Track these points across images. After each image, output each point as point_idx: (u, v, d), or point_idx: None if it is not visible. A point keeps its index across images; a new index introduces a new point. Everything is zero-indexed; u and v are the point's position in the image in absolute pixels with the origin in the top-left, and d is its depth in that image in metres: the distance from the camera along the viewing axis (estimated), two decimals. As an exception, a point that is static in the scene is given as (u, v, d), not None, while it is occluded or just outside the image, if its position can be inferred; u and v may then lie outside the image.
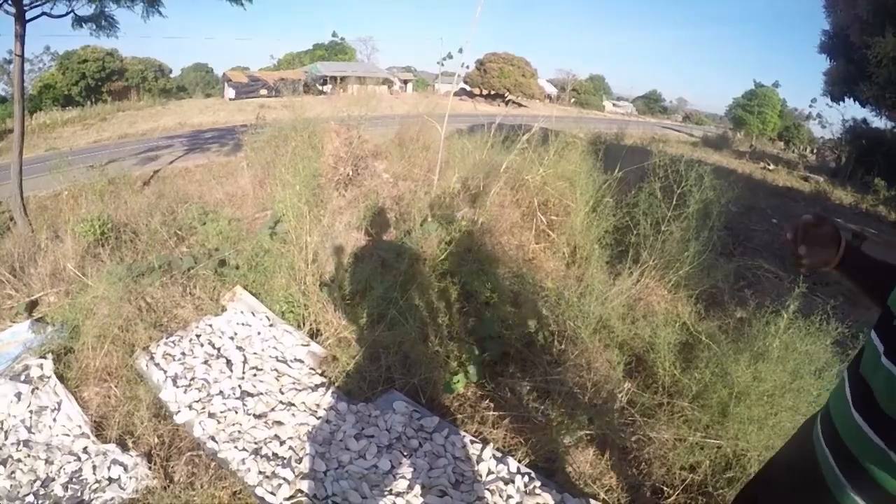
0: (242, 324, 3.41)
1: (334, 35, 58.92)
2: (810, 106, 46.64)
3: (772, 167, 19.47)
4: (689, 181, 3.96)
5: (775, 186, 14.21)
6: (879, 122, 19.12)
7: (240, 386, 2.92)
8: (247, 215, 5.31)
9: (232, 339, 3.28)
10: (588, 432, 2.74)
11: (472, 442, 2.68)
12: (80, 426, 2.68)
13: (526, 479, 2.51)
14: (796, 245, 1.32)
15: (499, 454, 2.63)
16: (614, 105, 70.40)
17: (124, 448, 2.55)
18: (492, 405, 2.97)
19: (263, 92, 38.70)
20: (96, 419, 2.73)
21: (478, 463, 2.57)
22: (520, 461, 2.62)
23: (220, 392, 2.86)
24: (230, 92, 40.88)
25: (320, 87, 31.96)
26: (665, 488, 2.58)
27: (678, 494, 2.53)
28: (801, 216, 1.34)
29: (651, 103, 78.64)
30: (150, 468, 2.45)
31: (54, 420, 2.72)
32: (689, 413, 2.83)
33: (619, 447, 2.76)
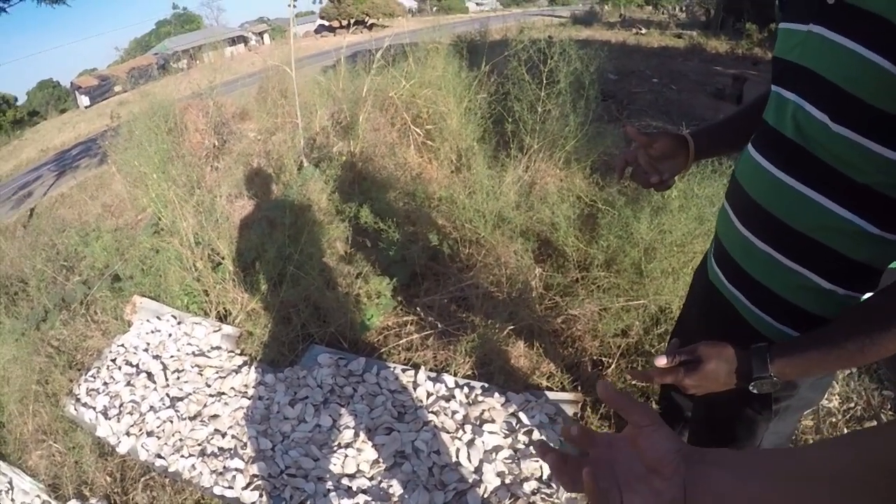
0: (151, 332, 3.25)
1: (175, 7, 55.24)
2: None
3: (644, 31, 19.77)
4: (554, 57, 3.88)
5: (651, 48, 14.45)
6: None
7: (167, 394, 2.79)
8: (129, 221, 5.05)
9: (146, 350, 3.13)
10: (513, 326, 2.71)
11: (404, 370, 2.62)
12: (38, 496, 2.53)
13: (465, 390, 2.49)
14: (642, 178, 1.25)
15: (433, 374, 2.59)
16: (477, 4, 69.41)
17: (83, 500, 2.44)
18: (413, 329, 2.90)
19: (118, 89, 35.98)
20: (49, 482, 2.59)
21: (415, 389, 2.53)
22: (455, 375, 2.58)
23: (151, 408, 2.73)
24: (84, 100, 37.90)
25: (175, 65, 30.01)
26: (604, 359, 2.60)
27: (617, 361, 2.55)
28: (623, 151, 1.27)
29: (516, -6, 78.06)
30: (113, 509, 2.35)
31: (12, 501, 2.55)
32: (606, 282, 2.83)
33: (549, 332, 2.75)
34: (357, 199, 3.67)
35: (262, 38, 51.00)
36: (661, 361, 0.98)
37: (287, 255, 3.24)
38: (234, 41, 46.18)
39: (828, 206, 0.94)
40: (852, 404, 2.37)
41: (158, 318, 3.31)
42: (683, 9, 32.81)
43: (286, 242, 3.30)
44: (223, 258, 3.40)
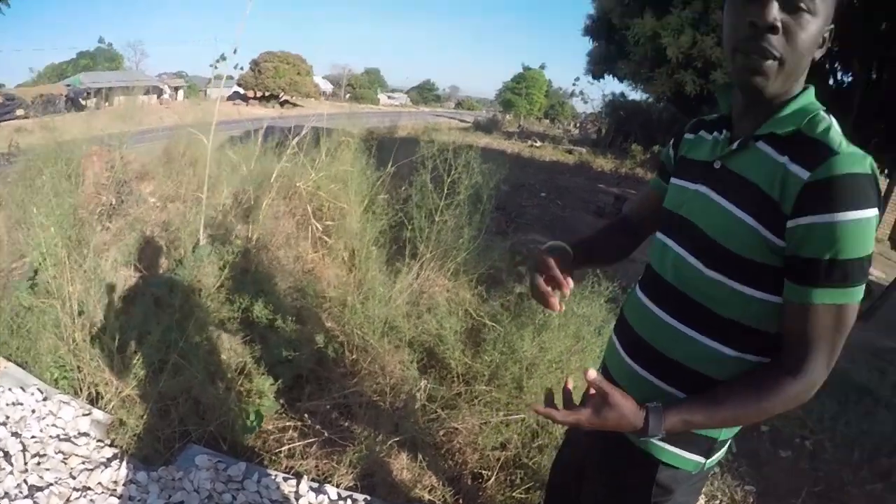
0: (13, 403, 2.89)
1: (101, 41, 52.98)
2: (574, 84, 51.77)
3: (538, 144, 21.21)
4: (458, 168, 4.14)
5: (543, 162, 15.53)
6: (636, 95, 21.60)
7: (25, 481, 2.47)
8: (2, 267, 4.58)
9: (5, 424, 2.76)
10: (397, 438, 2.76)
11: (286, 479, 2.56)
12: None
13: (349, 502, 2.48)
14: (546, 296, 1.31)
15: (315, 484, 2.55)
16: (389, 97, 72.06)
17: None
18: (295, 435, 2.88)
19: (20, 112, 33.05)
20: None
21: (297, 500, 2.48)
22: (338, 485, 2.57)
23: (6, 494, 2.40)
24: (-19, 117, 34.57)
25: (83, 102, 28.31)
26: (483, 472, 2.70)
27: (497, 474, 2.66)
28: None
29: (425, 93, 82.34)
30: None
31: None
32: (488, 396, 2.95)
33: (431, 444, 2.82)
34: (249, 290, 3.66)
35: (177, 92, 49.78)
36: (592, 374, 1.07)
37: (171, 340, 3.14)
38: (148, 90, 44.60)
39: (695, 337, 1.16)
40: (717, 502, 2.72)
41: (23, 389, 2.97)
42: (578, 125, 35.87)
43: (172, 326, 3.20)
44: (103, 332, 3.21)
